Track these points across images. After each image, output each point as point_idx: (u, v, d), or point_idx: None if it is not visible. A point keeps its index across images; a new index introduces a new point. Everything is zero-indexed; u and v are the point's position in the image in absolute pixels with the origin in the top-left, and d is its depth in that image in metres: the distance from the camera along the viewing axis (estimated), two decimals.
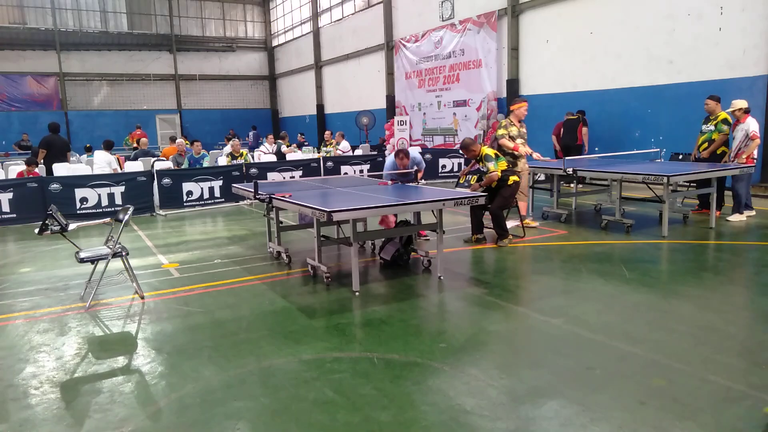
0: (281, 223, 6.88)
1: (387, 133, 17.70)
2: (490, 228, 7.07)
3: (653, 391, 3.16)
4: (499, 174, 6.85)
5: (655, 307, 4.55)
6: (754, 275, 5.49)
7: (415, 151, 7.60)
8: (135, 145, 16.66)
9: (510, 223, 7.33)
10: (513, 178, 6.91)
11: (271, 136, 14.85)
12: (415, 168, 7.60)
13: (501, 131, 7.64)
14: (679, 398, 3.07)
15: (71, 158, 12.59)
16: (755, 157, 7.88)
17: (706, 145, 8.10)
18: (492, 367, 3.56)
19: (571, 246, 6.81)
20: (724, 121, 7.96)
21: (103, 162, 11.28)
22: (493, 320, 4.45)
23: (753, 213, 8.00)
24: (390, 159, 7.63)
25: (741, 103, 7.88)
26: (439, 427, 2.88)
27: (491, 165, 6.84)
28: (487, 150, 7.01)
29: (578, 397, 3.13)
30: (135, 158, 13.31)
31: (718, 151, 8.01)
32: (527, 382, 3.33)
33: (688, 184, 8.22)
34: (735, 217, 7.78)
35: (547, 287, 5.26)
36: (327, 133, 15.68)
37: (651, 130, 11.56)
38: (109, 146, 11.81)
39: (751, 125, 7.70)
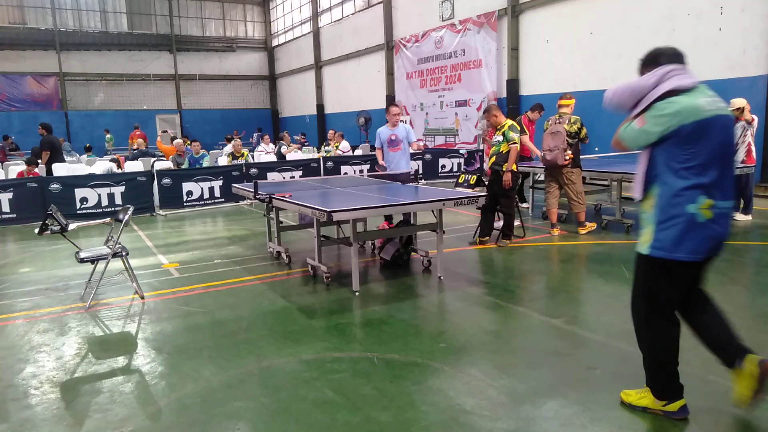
0: (281, 223, 6.88)
1: None
2: (496, 229, 7.05)
3: None
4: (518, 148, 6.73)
5: None
6: (754, 275, 5.48)
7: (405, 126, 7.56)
8: (135, 146, 16.72)
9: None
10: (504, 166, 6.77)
11: (267, 137, 15.14)
12: (416, 169, 7.58)
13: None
14: None
15: (68, 158, 12.58)
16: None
17: None
18: (492, 367, 3.56)
19: (571, 246, 6.81)
20: None
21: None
22: (493, 320, 4.45)
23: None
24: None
25: (741, 102, 7.87)
26: (439, 427, 2.88)
27: (516, 137, 6.70)
28: (512, 122, 6.95)
29: (578, 397, 3.13)
30: (135, 158, 13.32)
31: None
32: (527, 382, 3.33)
33: None
34: (741, 216, 7.82)
35: (547, 287, 5.25)
36: (330, 132, 16.08)
37: None
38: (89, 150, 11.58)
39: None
